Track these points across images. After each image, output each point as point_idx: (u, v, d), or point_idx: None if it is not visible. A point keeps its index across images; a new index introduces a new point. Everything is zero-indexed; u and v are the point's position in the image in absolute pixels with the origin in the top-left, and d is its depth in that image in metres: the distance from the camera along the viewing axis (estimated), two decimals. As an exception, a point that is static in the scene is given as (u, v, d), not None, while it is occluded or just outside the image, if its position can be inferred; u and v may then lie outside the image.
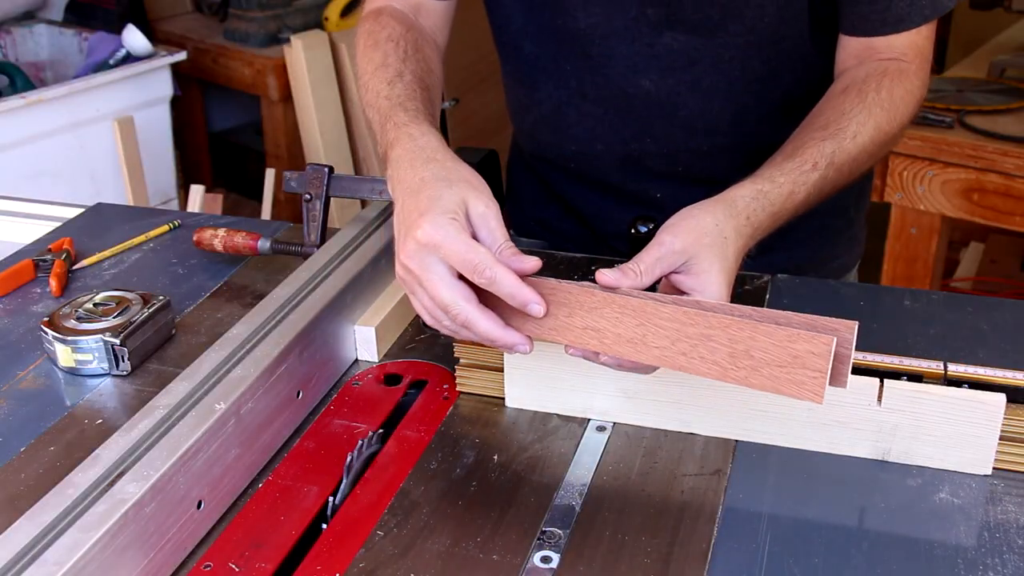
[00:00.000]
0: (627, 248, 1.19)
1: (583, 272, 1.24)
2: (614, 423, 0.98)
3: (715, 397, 0.95)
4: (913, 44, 1.12)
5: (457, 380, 1.03)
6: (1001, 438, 0.90)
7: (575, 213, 1.37)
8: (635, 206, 1.26)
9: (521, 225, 1.44)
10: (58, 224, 1.42)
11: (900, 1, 1.09)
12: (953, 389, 0.90)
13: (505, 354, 0.98)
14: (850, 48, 1.14)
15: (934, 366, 0.92)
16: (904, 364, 0.93)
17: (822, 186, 1.03)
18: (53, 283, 1.23)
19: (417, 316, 1.16)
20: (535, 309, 0.87)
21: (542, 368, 0.98)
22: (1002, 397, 0.89)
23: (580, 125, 1.26)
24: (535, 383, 0.99)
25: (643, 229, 1.10)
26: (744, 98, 1.20)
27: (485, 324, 0.88)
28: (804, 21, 1.15)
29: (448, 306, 0.87)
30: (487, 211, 0.89)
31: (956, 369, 0.92)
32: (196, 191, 2.72)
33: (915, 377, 0.92)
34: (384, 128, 1.03)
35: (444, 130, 3.46)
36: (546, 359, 0.97)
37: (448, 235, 0.86)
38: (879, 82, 1.08)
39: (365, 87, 1.11)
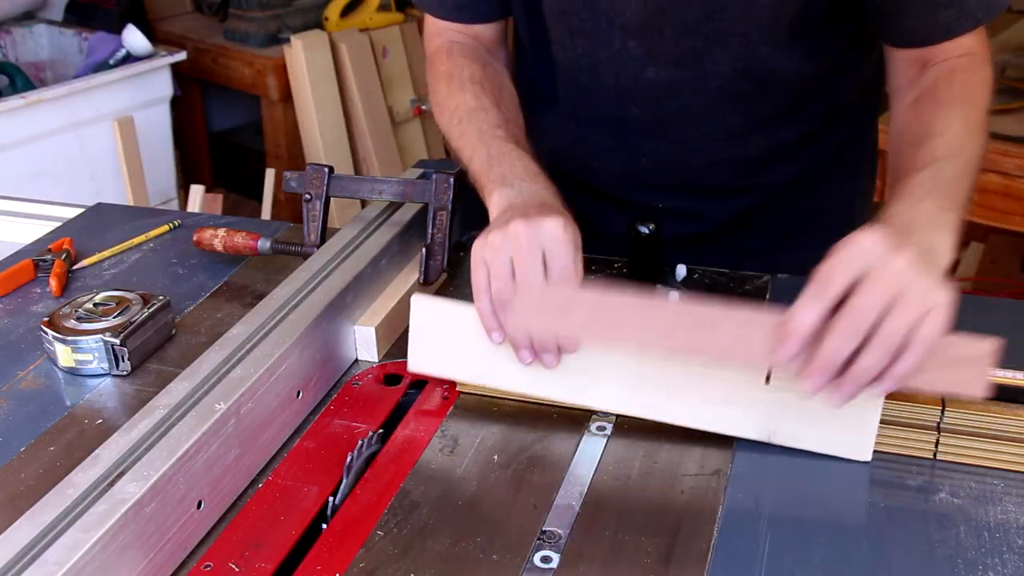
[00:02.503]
0: (629, 249, 1.20)
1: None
2: (613, 422, 0.98)
3: (615, 370, 0.96)
4: (976, 34, 1.08)
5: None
6: (1003, 438, 0.91)
7: (580, 218, 1.37)
8: (638, 212, 1.27)
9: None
10: (58, 224, 1.42)
11: (945, 10, 1.06)
12: None
13: (412, 319, 1.00)
14: (910, 57, 1.11)
15: None
16: None
17: (952, 175, 0.96)
18: (53, 283, 1.23)
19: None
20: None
21: (445, 333, 1.00)
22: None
23: (575, 147, 1.28)
24: (439, 349, 1.01)
25: (643, 230, 1.09)
26: (733, 117, 1.21)
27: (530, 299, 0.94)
28: (789, 41, 1.14)
29: (533, 281, 0.94)
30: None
31: None
32: (196, 191, 2.72)
33: None
34: (514, 166, 1.08)
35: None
36: (449, 325, 1.00)
37: (570, 241, 0.96)
38: (949, 81, 1.06)
39: (460, 121, 1.16)
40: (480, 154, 1.11)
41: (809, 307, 0.81)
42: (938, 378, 0.85)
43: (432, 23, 1.29)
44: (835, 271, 0.81)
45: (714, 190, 1.28)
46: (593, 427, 0.98)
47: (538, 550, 0.83)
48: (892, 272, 0.80)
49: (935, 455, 0.94)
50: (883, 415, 0.92)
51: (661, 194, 1.28)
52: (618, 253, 1.32)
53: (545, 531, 0.85)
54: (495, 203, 1.04)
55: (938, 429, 0.93)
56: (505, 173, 1.07)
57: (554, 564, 0.82)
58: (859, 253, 0.81)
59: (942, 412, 0.93)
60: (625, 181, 1.29)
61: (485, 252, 0.96)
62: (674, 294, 1.16)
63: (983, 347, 0.84)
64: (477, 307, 0.97)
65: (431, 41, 1.29)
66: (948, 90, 1.05)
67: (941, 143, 0.99)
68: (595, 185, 1.31)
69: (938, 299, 0.81)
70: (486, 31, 1.28)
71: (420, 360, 1.02)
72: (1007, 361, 0.97)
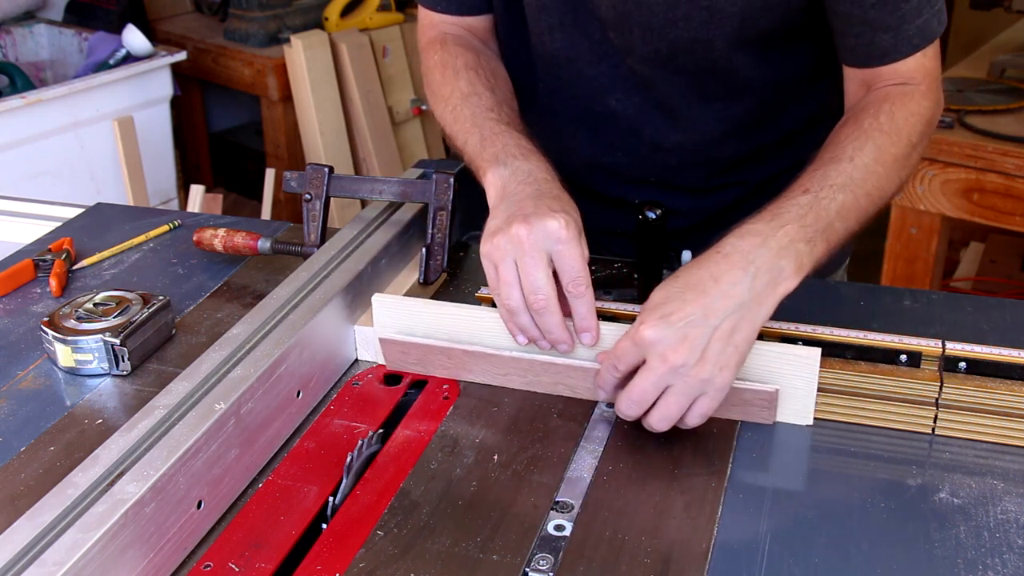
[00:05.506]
0: (625, 241, 1.20)
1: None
2: (615, 420, 0.98)
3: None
4: (920, 66, 1.09)
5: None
6: (1000, 413, 0.94)
7: None
8: (616, 208, 1.27)
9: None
10: (58, 224, 1.42)
11: (883, 35, 1.07)
12: (772, 344, 0.95)
13: (375, 318, 1.06)
14: (856, 78, 1.13)
15: (932, 344, 0.98)
16: (904, 342, 0.98)
17: (833, 208, 0.98)
18: (53, 283, 1.23)
19: (417, 316, 1.16)
20: (588, 339, 0.98)
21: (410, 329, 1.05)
22: (817, 351, 0.94)
23: (552, 140, 1.28)
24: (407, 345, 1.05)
25: (651, 215, 1.10)
26: (705, 119, 1.21)
27: (556, 318, 0.97)
28: (758, 49, 1.15)
29: (539, 289, 0.96)
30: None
31: (954, 347, 0.97)
32: (196, 191, 2.72)
33: (914, 357, 0.97)
34: (507, 144, 1.10)
35: (443, 130, 3.48)
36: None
37: (574, 239, 0.97)
38: (878, 108, 1.07)
39: (455, 107, 1.18)
40: (473, 137, 1.12)
41: (607, 376, 0.95)
42: (732, 413, 0.97)
43: (426, 15, 1.30)
44: (623, 356, 0.93)
45: (690, 188, 1.29)
46: (593, 427, 0.98)
47: (538, 550, 0.83)
48: (668, 367, 0.90)
49: (934, 430, 0.96)
50: (883, 391, 0.97)
51: (638, 189, 1.28)
52: (594, 246, 1.32)
53: (545, 531, 0.85)
54: (490, 182, 1.06)
55: (936, 405, 0.96)
56: (498, 152, 1.08)
57: (554, 564, 0.82)
58: (641, 344, 0.91)
59: (940, 388, 0.95)
60: (600, 175, 1.30)
61: (492, 256, 0.98)
62: None
63: (768, 392, 0.95)
64: (499, 311, 1.00)
65: (424, 34, 1.30)
66: (874, 118, 1.05)
67: (841, 171, 1.00)
68: (572, 178, 1.31)
69: (711, 386, 0.90)
70: (478, 23, 1.29)
71: (393, 359, 1.07)
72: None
